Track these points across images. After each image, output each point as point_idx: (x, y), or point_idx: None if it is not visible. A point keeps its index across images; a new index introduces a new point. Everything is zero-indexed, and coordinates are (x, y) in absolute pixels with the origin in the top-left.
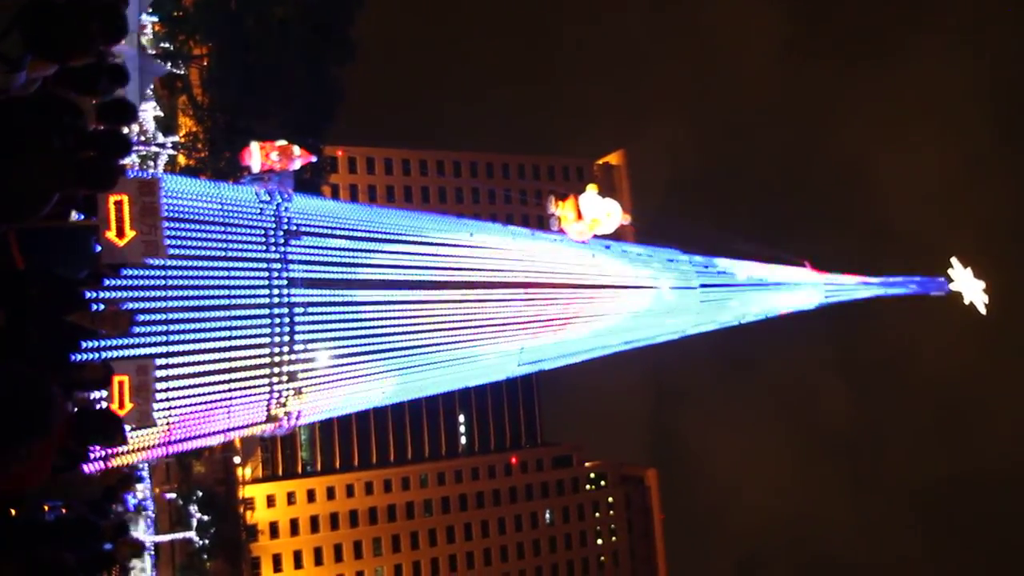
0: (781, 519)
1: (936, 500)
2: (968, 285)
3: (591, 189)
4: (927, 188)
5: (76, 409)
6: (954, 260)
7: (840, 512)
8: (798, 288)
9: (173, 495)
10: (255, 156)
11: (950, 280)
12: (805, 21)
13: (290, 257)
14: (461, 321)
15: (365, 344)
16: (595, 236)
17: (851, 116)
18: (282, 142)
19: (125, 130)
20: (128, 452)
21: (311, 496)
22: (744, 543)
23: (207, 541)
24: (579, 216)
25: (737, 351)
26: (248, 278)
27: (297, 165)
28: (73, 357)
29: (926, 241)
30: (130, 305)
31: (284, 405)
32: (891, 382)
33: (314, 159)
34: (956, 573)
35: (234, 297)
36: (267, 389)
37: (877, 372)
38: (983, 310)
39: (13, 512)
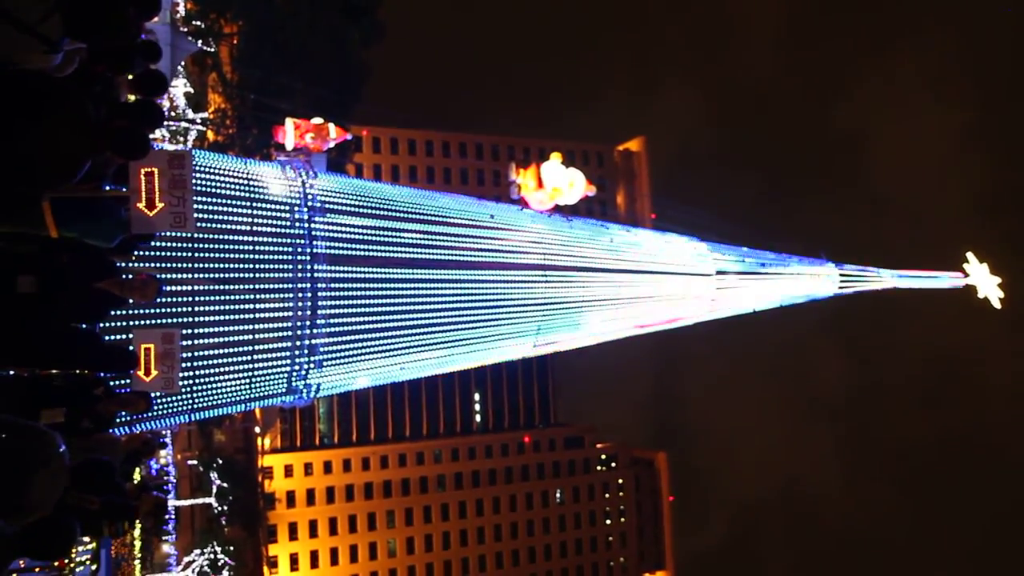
0: (775, 480)
1: (922, 462)
2: (983, 280)
3: (555, 157)
4: (924, 160)
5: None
6: (970, 255)
7: (829, 472)
8: (813, 278)
9: (194, 462)
10: (289, 134)
11: (966, 275)
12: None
13: (314, 233)
14: (479, 300)
15: (385, 320)
16: (556, 207)
17: (854, 93)
18: (318, 120)
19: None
20: (153, 417)
21: (328, 467)
22: (739, 503)
23: (226, 507)
24: (540, 184)
25: (739, 322)
26: (272, 253)
27: (332, 145)
28: (101, 324)
29: (925, 213)
30: (158, 276)
31: (304, 378)
32: (886, 351)
33: (350, 137)
34: (935, 529)
35: (258, 271)
36: (288, 362)
37: (873, 341)
38: (997, 304)
39: None
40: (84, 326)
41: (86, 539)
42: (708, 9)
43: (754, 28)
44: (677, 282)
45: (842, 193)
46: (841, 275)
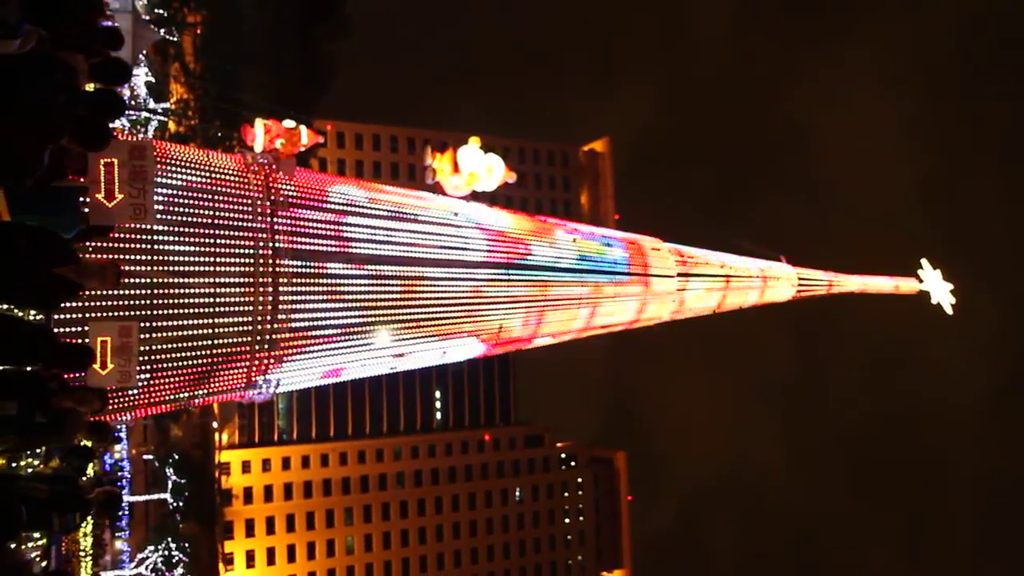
0: (722, 461)
1: (861, 440)
2: (936, 286)
3: (473, 142)
4: (867, 150)
5: None
6: (924, 261)
7: (776, 454)
8: (773, 281)
9: (150, 457)
10: (259, 137)
11: (920, 280)
12: None
13: (277, 228)
14: (441, 297)
15: (346, 317)
16: (474, 192)
17: (800, 85)
18: (289, 123)
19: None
20: (109, 412)
21: (286, 464)
22: (691, 486)
23: (181, 503)
24: (456, 169)
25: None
26: (234, 247)
27: (302, 149)
28: (58, 316)
29: (875, 204)
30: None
31: (264, 373)
32: (829, 335)
33: (321, 140)
34: (875, 508)
35: (219, 264)
36: (248, 356)
37: (821, 327)
38: (949, 311)
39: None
40: (39, 321)
41: (36, 535)
42: (661, 4)
43: (706, 20)
44: (640, 283)
45: (795, 186)
46: (800, 279)
